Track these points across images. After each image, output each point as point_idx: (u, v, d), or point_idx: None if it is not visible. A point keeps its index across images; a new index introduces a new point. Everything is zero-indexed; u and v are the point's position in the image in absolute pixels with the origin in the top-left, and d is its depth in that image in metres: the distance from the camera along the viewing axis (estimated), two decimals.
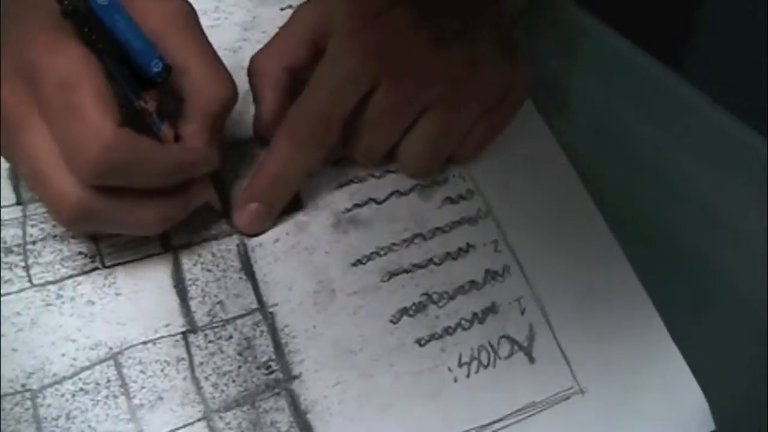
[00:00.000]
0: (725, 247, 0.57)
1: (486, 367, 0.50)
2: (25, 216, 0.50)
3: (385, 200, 0.55)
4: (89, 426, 0.45)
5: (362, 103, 0.50)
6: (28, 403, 0.45)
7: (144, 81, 0.45)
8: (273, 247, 0.52)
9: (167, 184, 0.46)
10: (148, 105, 0.46)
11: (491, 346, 0.51)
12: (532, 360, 0.51)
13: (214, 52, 0.47)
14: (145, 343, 0.48)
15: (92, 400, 0.46)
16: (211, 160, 0.47)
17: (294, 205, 0.53)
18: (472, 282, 0.53)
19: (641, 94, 0.64)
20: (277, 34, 0.53)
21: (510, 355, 0.51)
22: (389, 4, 0.50)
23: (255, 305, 0.50)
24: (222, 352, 0.48)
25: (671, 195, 0.59)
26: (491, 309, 0.52)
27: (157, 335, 0.48)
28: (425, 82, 0.50)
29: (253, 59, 0.53)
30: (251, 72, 0.52)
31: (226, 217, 0.52)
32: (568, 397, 0.50)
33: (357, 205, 0.54)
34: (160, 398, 0.47)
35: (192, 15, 0.46)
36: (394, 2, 0.50)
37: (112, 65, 0.44)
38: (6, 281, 0.48)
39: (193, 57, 0.45)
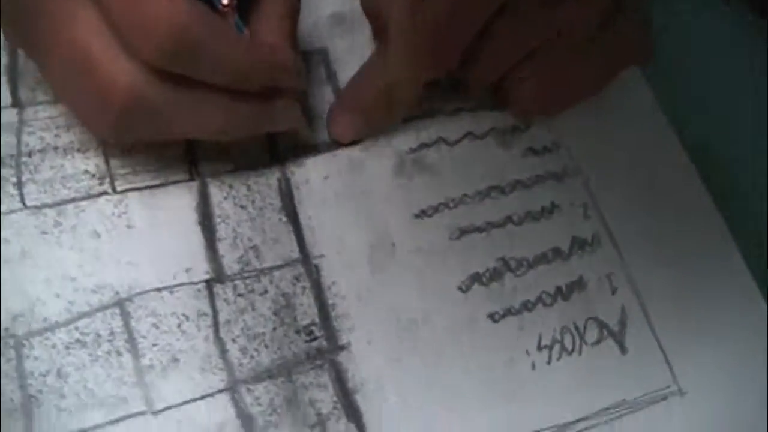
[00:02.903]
0: None
1: (570, 353, 0.42)
2: (21, 121, 0.41)
3: (457, 142, 0.46)
4: (85, 387, 0.37)
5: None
6: (11, 352, 0.37)
7: None
8: (322, 186, 0.43)
9: (243, 86, 0.38)
10: (229, 1, 0.38)
11: (576, 329, 0.42)
12: (623, 349, 0.42)
13: None
14: (159, 290, 0.39)
15: (90, 355, 0.38)
16: (298, 68, 0.40)
17: None
18: (557, 250, 0.44)
19: (747, 57, 0.55)
20: None
21: (598, 342, 0.42)
22: None
23: (297, 255, 0.41)
24: (254, 309, 0.39)
25: None
26: (578, 284, 0.43)
27: (176, 281, 0.39)
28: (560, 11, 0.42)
29: None
30: None
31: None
32: (665, 398, 0.42)
33: (424, 145, 0.45)
34: (175, 360, 0.38)
35: None
36: None
37: None
38: None
39: None
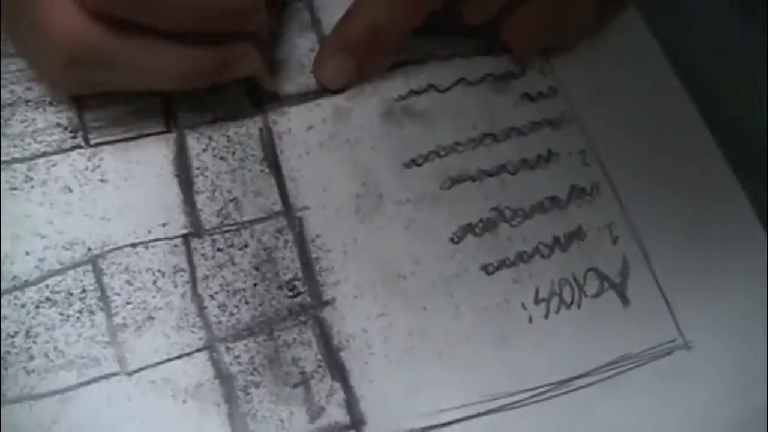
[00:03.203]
0: None
1: (569, 306, 0.39)
2: None
3: (449, 89, 0.43)
4: (55, 348, 0.35)
5: None
6: None
7: None
8: (305, 136, 0.41)
9: (197, 31, 0.35)
10: None
11: (575, 281, 0.40)
12: (625, 301, 0.40)
13: None
14: (134, 245, 0.37)
15: (61, 314, 0.36)
16: (256, 9, 0.37)
17: None
18: (554, 198, 0.41)
19: None
20: None
21: (598, 294, 0.40)
22: None
23: (279, 207, 0.39)
24: (234, 264, 0.37)
25: None
26: (576, 234, 0.41)
27: (151, 237, 0.37)
28: None
29: None
30: None
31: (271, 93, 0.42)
32: (670, 352, 0.40)
33: (414, 92, 0.43)
34: (150, 318, 0.36)
35: None
36: None
37: None
38: None
39: None
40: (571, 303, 0.40)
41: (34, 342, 0.35)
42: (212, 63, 0.37)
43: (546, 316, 0.39)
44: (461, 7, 0.42)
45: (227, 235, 0.38)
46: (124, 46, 0.34)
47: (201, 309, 0.37)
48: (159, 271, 0.37)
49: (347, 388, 0.37)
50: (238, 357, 0.36)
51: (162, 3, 0.33)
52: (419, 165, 0.41)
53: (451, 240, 0.40)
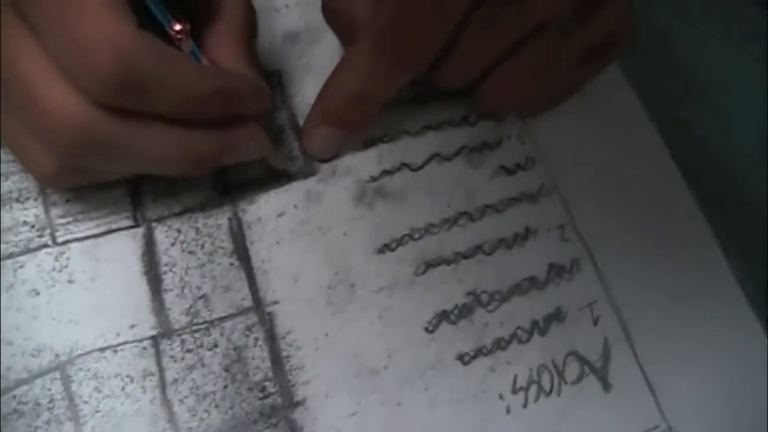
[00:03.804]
0: None
1: (548, 394, 0.39)
2: None
3: (422, 166, 0.42)
4: None
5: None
6: None
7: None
8: (276, 224, 0.40)
9: (201, 116, 0.35)
10: (182, 26, 0.36)
11: (555, 366, 0.39)
12: (607, 386, 0.39)
13: None
14: (102, 350, 0.37)
15: (29, 426, 0.36)
16: (261, 90, 0.37)
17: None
18: (532, 279, 0.41)
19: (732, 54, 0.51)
20: None
21: (579, 379, 0.39)
22: None
23: (249, 303, 0.38)
24: (203, 365, 0.37)
25: None
26: (556, 316, 0.40)
27: (120, 340, 0.37)
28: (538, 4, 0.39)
29: None
30: None
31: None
32: None
33: (386, 172, 0.42)
34: (120, 427, 0.35)
35: None
36: None
37: None
38: None
39: None
40: (551, 391, 0.39)
41: None
42: (218, 145, 0.37)
43: (524, 406, 0.39)
44: (440, 71, 0.41)
45: (196, 335, 0.38)
46: (128, 133, 0.34)
47: (171, 414, 0.36)
48: (128, 376, 0.37)
49: None
50: None
51: (169, 91, 0.33)
52: (393, 250, 0.41)
53: (426, 329, 0.39)
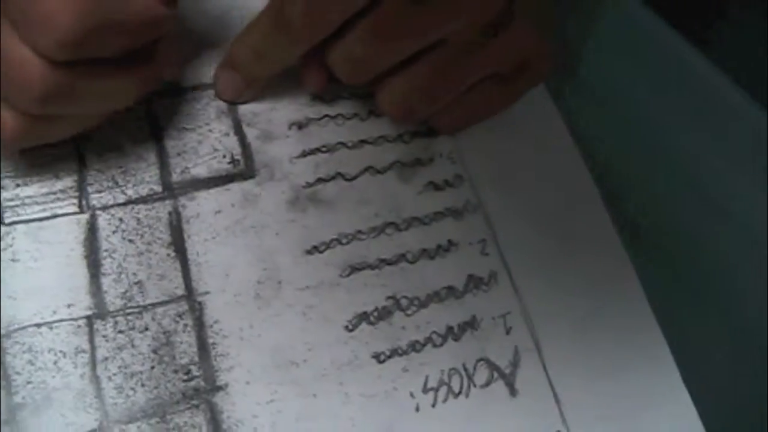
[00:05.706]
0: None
1: (457, 395, 0.41)
2: None
3: (356, 177, 0.45)
4: None
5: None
6: None
7: None
8: (213, 221, 0.42)
9: (133, 46, 0.40)
10: None
11: (465, 371, 0.42)
12: (513, 392, 0.42)
13: None
14: (39, 325, 0.39)
15: None
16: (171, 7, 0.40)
17: None
18: (450, 288, 0.43)
19: (669, 80, 0.54)
20: None
21: (488, 384, 0.42)
22: None
23: (181, 291, 0.41)
24: (133, 346, 0.39)
25: (699, 200, 0.49)
26: (470, 324, 0.43)
27: (56, 317, 0.39)
28: (445, 11, 0.42)
29: None
30: None
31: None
32: None
33: (321, 180, 0.45)
34: (49, 398, 0.37)
35: None
36: None
37: None
38: None
39: None
40: (459, 392, 0.42)
41: None
42: (153, 71, 0.41)
43: (433, 405, 0.41)
44: (337, 65, 0.44)
45: (129, 317, 0.40)
46: (88, 72, 0.38)
47: (98, 390, 0.38)
48: (61, 351, 0.39)
49: None
50: None
51: (118, 34, 0.38)
52: (321, 252, 0.43)
53: (346, 328, 0.42)
